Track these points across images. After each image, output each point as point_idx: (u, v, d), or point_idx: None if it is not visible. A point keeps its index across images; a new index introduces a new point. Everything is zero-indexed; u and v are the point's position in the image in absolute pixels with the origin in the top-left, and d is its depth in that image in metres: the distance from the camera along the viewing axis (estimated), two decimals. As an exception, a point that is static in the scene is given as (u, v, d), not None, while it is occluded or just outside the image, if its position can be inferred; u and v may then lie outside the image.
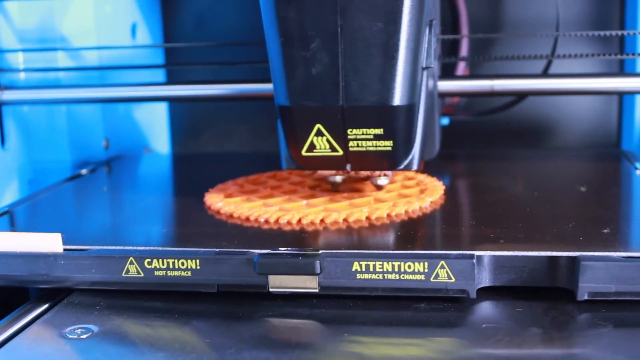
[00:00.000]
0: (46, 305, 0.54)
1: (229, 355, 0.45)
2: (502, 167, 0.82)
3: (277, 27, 0.57)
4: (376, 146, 0.59)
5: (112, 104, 0.93)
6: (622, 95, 0.95)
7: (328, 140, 0.60)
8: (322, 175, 0.71)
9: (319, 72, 0.58)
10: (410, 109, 0.59)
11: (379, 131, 0.59)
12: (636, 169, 0.76)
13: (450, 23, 0.91)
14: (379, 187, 0.66)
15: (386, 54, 0.57)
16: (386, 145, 0.59)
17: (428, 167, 0.76)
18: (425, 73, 0.61)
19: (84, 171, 0.84)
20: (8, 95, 0.81)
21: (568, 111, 0.97)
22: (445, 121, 0.90)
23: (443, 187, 0.69)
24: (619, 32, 0.92)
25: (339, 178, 0.66)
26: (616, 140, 0.96)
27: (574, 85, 0.75)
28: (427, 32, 0.59)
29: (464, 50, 0.91)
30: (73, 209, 0.73)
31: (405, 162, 0.61)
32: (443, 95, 0.77)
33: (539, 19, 0.96)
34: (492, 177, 0.77)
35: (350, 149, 0.60)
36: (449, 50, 0.92)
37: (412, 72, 0.58)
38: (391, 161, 0.60)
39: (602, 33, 0.75)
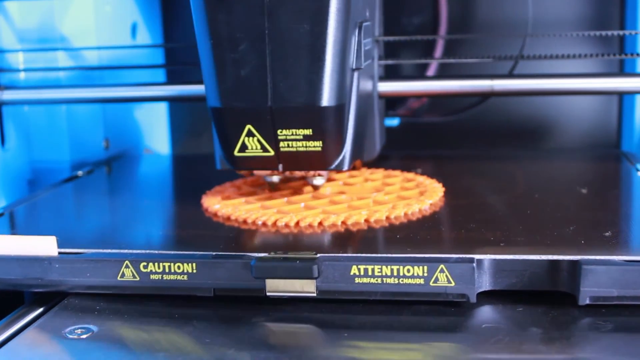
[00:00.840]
0: (41, 309, 0.53)
1: (228, 356, 0.45)
2: (503, 169, 0.81)
3: (207, 29, 0.58)
4: (306, 146, 0.60)
5: (112, 104, 0.92)
6: (622, 95, 0.95)
7: (259, 141, 0.60)
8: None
9: (247, 73, 0.58)
10: (338, 109, 0.59)
11: (308, 132, 0.59)
12: (637, 170, 0.75)
13: (432, 24, 0.93)
14: (315, 187, 0.66)
15: (313, 56, 0.57)
16: (316, 145, 0.60)
17: (427, 168, 0.76)
18: (355, 74, 0.61)
19: (80, 173, 0.83)
20: (8, 95, 0.81)
21: (568, 111, 0.97)
22: (394, 122, 0.91)
23: (442, 189, 0.68)
24: (619, 32, 0.91)
25: (275, 178, 0.66)
26: (616, 141, 0.96)
27: (574, 85, 0.75)
28: (355, 34, 0.60)
29: (439, 51, 0.93)
30: (69, 211, 0.72)
31: (336, 162, 0.61)
32: (424, 95, 0.77)
33: (511, 18, 0.97)
34: (492, 178, 0.76)
35: (281, 149, 0.60)
36: (426, 51, 0.93)
37: (339, 73, 0.58)
38: (321, 161, 0.61)
39: (602, 33, 0.75)
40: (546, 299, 0.51)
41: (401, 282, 0.50)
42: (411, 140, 0.99)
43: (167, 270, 0.52)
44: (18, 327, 0.51)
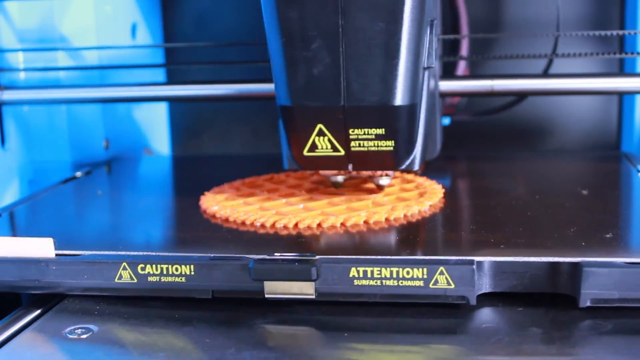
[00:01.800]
0: (38, 311, 0.53)
1: (228, 356, 0.44)
2: (503, 169, 0.81)
3: (279, 27, 0.57)
4: (378, 146, 0.59)
5: (112, 104, 0.92)
6: (622, 96, 0.95)
7: (330, 140, 0.59)
8: (320, 178, 0.70)
9: (320, 72, 0.57)
10: (411, 109, 0.58)
11: (381, 131, 0.58)
12: (638, 171, 0.75)
13: (450, 23, 0.91)
14: (380, 187, 0.66)
15: (387, 54, 0.56)
16: (388, 145, 0.59)
17: (427, 169, 0.75)
18: (426, 73, 0.61)
19: (78, 174, 0.83)
20: (8, 95, 0.81)
21: (568, 112, 0.97)
22: (446, 121, 0.89)
23: (442, 190, 0.67)
24: (619, 32, 0.91)
25: (340, 178, 0.66)
26: (616, 141, 0.96)
27: (574, 85, 0.75)
28: (428, 32, 0.59)
29: (464, 50, 0.91)
30: (67, 212, 0.72)
31: (407, 162, 0.61)
32: (443, 95, 0.76)
33: (539, 18, 0.96)
34: (492, 179, 0.76)
35: (352, 149, 0.59)
36: (449, 50, 0.92)
37: (413, 72, 0.57)
38: (393, 161, 0.60)
39: (602, 33, 0.74)
40: (546, 301, 0.50)
41: (400, 285, 0.49)
42: None
43: (165, 272, 0.51)
44: (16, 329, 0.50)
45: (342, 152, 0.60)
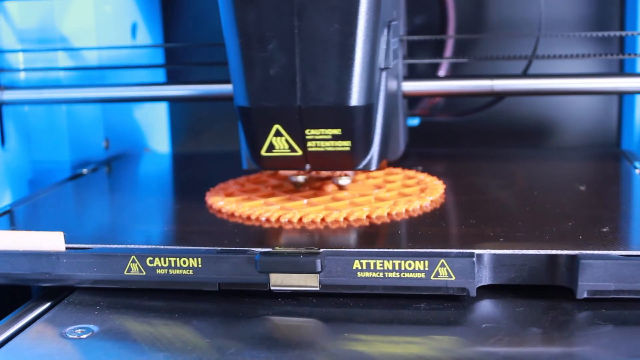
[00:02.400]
0: (48, 304, 0.54)
1: (229, 355, 0.45)
2: (502, 167, 0.82)
3: (235, 28, 0.58)
4: (334, 146, 0.60)
5: (112, 104, 0.93)
6: (622, 95, 0.95)
7: (287, 141, 0.61)
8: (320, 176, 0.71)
9: (276, 73, 0.59)
10: (367, 109, 0.60)
11: (337, 131, 0.60)
12: (636, 168, 0.76)
13: (438, 24, 0.93)
14: (340, 187, 0.67)
15: (342, 55, 0.58)
16: (344, 145, 0.60)
17: (429, 166, 0.77)
18: (384, 74, 0.62)
19: (85, 170, 0.84)
20: (8, 95, 0.82)
21: (568, 111, 0.97)
22: (414, 122, 0.91)
23: (443, 186, 0.69)
24: (619, 33, 0.92)
25: (301, 178, 0.67)
26: (616, 140, 0.96)
27: (574, 85, 0.75)
28: (385, 33, 0.61)
29: (448, 51, 0.93)
30: (75, 208, 0.73)
31: (364, 162, 0.62)
32: (425, 95, 0.78)
33: (527, 19, 0.96)
34: (492, 176, 0.77)
35: (309, 149, 0.61)
36: (434, 51, 0.94)
37: (369, 73, 0.59)
38: (350, 161, 0.61)
39: (602, 33, 0.75)
40: (545, 293, 0.52)
41: (402, 277, 0.51)
42: (412, 139, 0.99)
43: (172, 265, 0.53)
44: (26, 321, 0.52)
45: (300, 153, 0.61)
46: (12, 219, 0.66)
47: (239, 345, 0.47)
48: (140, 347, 0.48)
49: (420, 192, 0.67)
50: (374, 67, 0.59)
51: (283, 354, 0.46)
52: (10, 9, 0.85)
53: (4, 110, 0.84)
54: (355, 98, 0.58)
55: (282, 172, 0.66)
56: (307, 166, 0.62)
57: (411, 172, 0.74)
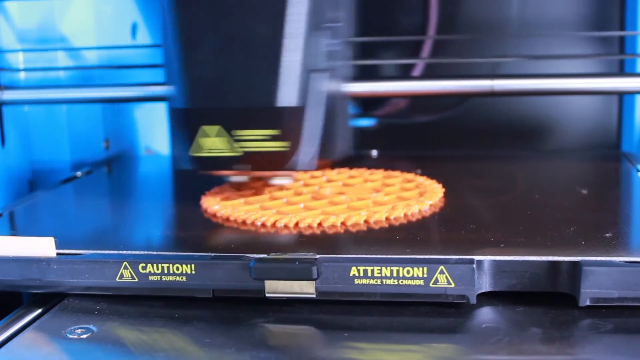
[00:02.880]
0: (39, 310, 0.53)
1: (229, 355, 0.45)
2: (502, 169, 0.82)
3: (170, 30, 0.60)
4: (266, 147, 0.61)
5: (112, 104, 0.93)
6: (622, 95, 0.95)
7: (220, 141, 0.61)
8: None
9: (207, 74, 0.60)
10: (298, 110, 0.60)
11: (269, 132, 0.60)
12: (637, 170, 0.75)
13: (420, 24, 0.93)
14: (280, 188, 0.68)
15: (272, 57, 0.59)
16: (276, 146, 0.61)
17: (428, 168, 0.76)
18: (317, 75, 0.62)
19: (79, 173, 0.84)
20: (8, 95, 0.81)
21: (568, 111, 0.97)
22: (366, 122, 0.92)
23: (442, 190, 0.68)
24: (619, 33, 0.92)
25: (239, 178, 0.67)
26: (616, 141, 0.97)
27: (574, 85, 0.75)
28: (320, 36, 0.61)
29: (425, 52, 0.93)
30: (68, 212, 0.72)
31: (302, 163, 0.62)
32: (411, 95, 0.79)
33: (498, 19, 0.97)
34: (492, 179, 0.77)
35: (245, 149, 0.61)
36: (412, 51, 0.94)
37: (300, 75, 0.59)
38: (281, 161, 0.61)
39: (602, 33, 0.75)
40: (546, 300, 0.51)
41: (401, 284, 0.50)
42: (411, 140, 1.00)
43: (165, 271, 0.52)
44: (17, 328, 0.51)
45: (232, 153, 0.61)
46: (6, 222, 0.65)
47: (234, 354, 0.46)
48: (137, 349, 0.47)
49: (419, 196, 0.66)
50: (305, 69, 0.60)
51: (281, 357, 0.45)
52: (10, 9, 0.84)
53: (4, 110, 0.83)
54: (287, 99, 0.59)
55: (219, 173, 0.66)
56: (241, 167, 0.62)
57: (410, 176, 0.73)
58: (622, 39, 0.94)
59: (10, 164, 0.84)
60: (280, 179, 0.66)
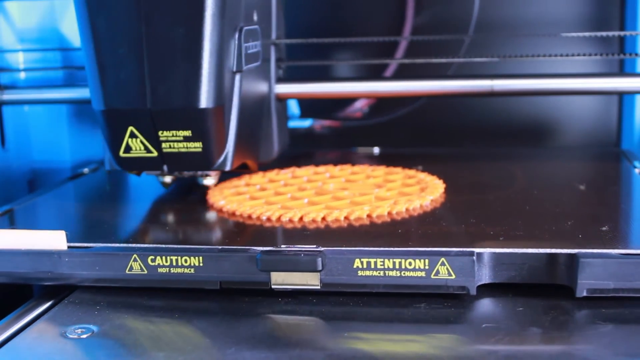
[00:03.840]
0: (50, 303, 0.55)
1: (229, 355, 0.46)
2: (502, 166, 0.83)
3: (89, 32, 0.61)
4: (187, 147, 0.63)
5: None
6: (622, 95, 0.96)
7: (142, 142, 0.63)
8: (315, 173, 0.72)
9: (127, 76, 0.61)
10: (217, 111, 0.62)
11: (188, 133, 0.62)
12: (635, 167, 0.77)
13: (395, 24, 0.94)
14: (206, 187, 0.69)
15: (189, 59, 0.60)
16: (196, 146, 0.62)
17: (429, 166, 0.78)
18: (237, 77, 0.64)
19: (86, 170, 0.85)
20: (8, 95, 0.83)
21: (568, 111, 0.98)
22: (305, 123, 0.95)
23: (443, 186, 0.70)
24: (619, 33, 0.92)
25: (168, 179, 0.69)
26: (616, 140, 0.97)
27: (574, 85, 0.76)
28: (235, 37, 0.63)
29: (399, 52, 0.95)
30: (76, 208, 0.74)
31: (218, 163, 0.64)
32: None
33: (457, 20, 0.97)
34: (492, 175, 0.78)
35: (164, 150, 0.63)
36: (387, 51, 0.95)
37: (217, 76, 0.61)
38: (203, 162, 0.64)
39: (602, 33, 0.77)
40: (544, 292, 0.53)
41: (403, 275, 0.52)
42: (414, 137, 1.00)
43: (174, 263, 0.54)
44: (27, 320, 0.53)
45: (155, 154, 0.63)
46: (12, 219, 0.67)
47: (240, 345, 0.47)
48: (140, 347, 0.48)
49: (420, 192, 0.68)
50: (222, 70, 0.61)
51: (283, 352, 0.46)
52: (10, 9, 0.86)
53: (4, 110, 0.85)
54: (204, 100, 0.61)
55: (147, 172, 0.68)
56: (165, 167, 0.64)
57: (411, 172, 0.75)
58: (622, 39, 0.94)
59: (10, 164, 0.85)
60: (207, 179, 0.68)
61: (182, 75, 0.61)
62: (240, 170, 0.70)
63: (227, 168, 0.64)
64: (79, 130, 0.91)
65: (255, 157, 0.71)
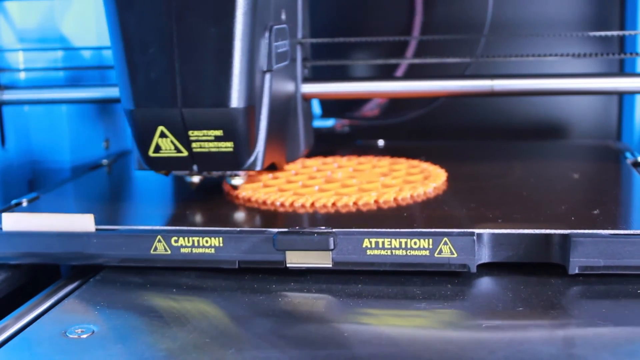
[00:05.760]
0: (77, 282, 0.64)
1: (229, 355, 0.50)
2: (502, 158, 0.90)
3: (119, 31, 0.65)
4: (218, 147, 0.66)
5: (112, 104, 0.98)
6: (622, 95, 1.02)
7: (172, 142, 0.67)
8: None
9: (157, 76, 0.64)
10: (248, 110, 0.65)
11: (219, 132, 0.66)
12: (626, 158, 0.85)
13: (405, 24, 1.00)
14: (234, 187, 0.74)
15: (220, 58, 0.64)
16: (227, 146, 0.66)
17: (431, 157, 0.85)
18: (267, 76, 0.68)
19: (104, 161, 0.93)
20: (8, 95, 0.87)
21: (569, 108, 1.04)
22: (328, 122, 1.00)
23: (445, 174, 0.78)
24: (619, 33, 0.98)
25: (195, 178, 0.73)
26: (616, 136, 1.04)
27: (574, 85, 0.81)
28: (265, 37, 0.67)
29: (410, 52, 1.00)
30: (100, 194, 0.82)
31: (248, 163, 0.68)
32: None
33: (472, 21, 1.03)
34: (492, 166, 0.86)
35: (194, 150, 0.67)
36: (397, 51, 1.00)
37: (248, 75, 0.64)
38: (233, 162, 0.68)
39: (602, 33, 0.82)
40: (540, 271, 0.60)
41: (408, 254, 0.60)
42: (415, 133, 1.07)
43: (196, 244, 0.62)
44: (57, 298, 0.61)
45: (185, 153, 0.67)
46: (44, 203, 0.74)
47: (255, 321, 0.54)
48: (164, 321, 0.54)
49: (424, 180, 0.76)
50: (253, 69, 0.65)
51: (297, 326, 0.53)
52: (10, 9, 0.90)
53: (4, 110, 0.89)
54: (235, 100, 0.64)
55: (175, 173, 0.71)
56: (195, 167, 0.68)
57: (415, 162, 0.84)
58: (622, 39, 1.00)
59: (10, 164, 0.90)
60: (235, 179, 0.72)
61: (213, 75, 0.64)
62: (268, 171, 0.74)
63: (258, 168, 0.68)
64: (79, 130, 0.95)
65: (283, 157, 0.75)
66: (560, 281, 0.59)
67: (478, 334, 0.52)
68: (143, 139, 0.68)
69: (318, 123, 1.03)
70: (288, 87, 0.76)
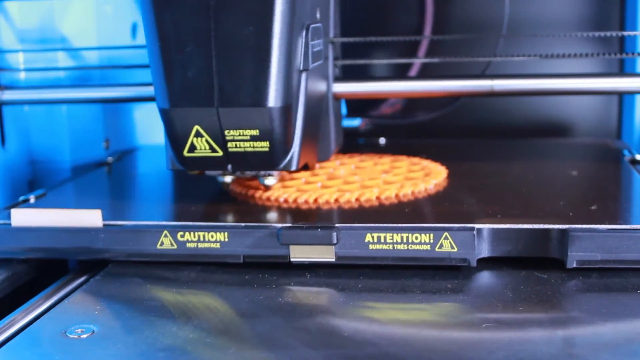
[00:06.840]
0: (84, 277, 0.66)
1: (229, 355, 0.51)
2: (501, 156, 0.92)
3: (154, 30, 0.65)
4: (254, 147, 0.67)
5: (112, 104, 1.01)
6: (622, 95, 1.04)
7: (207, 141, 0.68)
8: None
9: (194, 75, 0.65)
10: (285, 110, 0.66)
11: (255, 132, 0.67)
12: (624, 155, 0.88)
13: (416, 24, 1.02)
14: (267, 187, 0.75)
15: (258, 57, 0.64)
16: (263, 145, 0.67)
17: (432, 155, 0.87)
18: (303, 75, 0.69)
19: (110, 159, 0.95)
20: (8, 95, 0.88)
21: (569, 107, 1.06)
22: (354, 122, 1.01)
23: (446, 171, 0.81)
24: (619, 33, 1.00)
25: (228, 178, 0.76)
26: (616, 135, 1.06)
27: (574, 85, 0.82)
28: (302, 35, 0.68)
29: (422, 51, 1.02)
30: (106, 191, 0.85)
31: (284, 163, 0.69)
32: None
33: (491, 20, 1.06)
34: (492, 163, 0.88)
35: (229, 149, 0.68)
36: (409, 51, 1.02)
37: (285, 75, 0.65)
38: (268, 162, 0.69)
39: (602, 33, 0.83)
40: (539, 265, 0.62)
41: (410, 248, 0.62)
42: (418, 132, 1.09)
43: (201, 239, 0.65)
44: (66, 291, 0.64)
45: (220, 153, 0.68)
46: (52, 200, 0.76)
47: (260, 315, 0.56)
48: (170, 314, 0.56)
49: (424, 176, 0.79)
50: (291, 68, 0.66)
51: (301, 320, 0.55)
52: (10, 9, 0.92)
53: (4, 110, 0.90)
54: (272, 99, 0.65)
55: (208, 173, 0.73)
56: (229, 167, 0.69)
57: (416, 159, 0.87)
58: (622, 39, 1.02)
59: (10, 164, 0.91)
60: (269, 179, 0.73)
61: (250, 74, 0.64)
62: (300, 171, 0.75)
63: (293, 168, 0.69)
64: (79, 130, 0.97)
65: (315, 157, 0.76)
66: (558, 275, 0.61)
67: (478, 334, 0.53)
68: (178, 138, 0.69)
69: (345, 123, 1.03)
70: (321, 86, 0.77)
